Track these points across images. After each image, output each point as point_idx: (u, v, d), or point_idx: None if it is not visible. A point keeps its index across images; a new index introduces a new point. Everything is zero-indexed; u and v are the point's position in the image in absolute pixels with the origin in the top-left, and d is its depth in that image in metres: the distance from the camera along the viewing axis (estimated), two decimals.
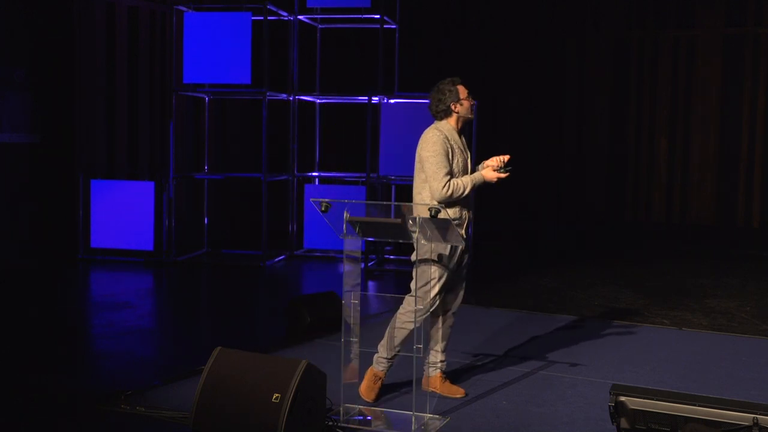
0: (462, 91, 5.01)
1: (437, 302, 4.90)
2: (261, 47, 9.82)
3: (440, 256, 4.82)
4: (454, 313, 5.12)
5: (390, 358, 4.98)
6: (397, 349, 4.94)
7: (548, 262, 10.50)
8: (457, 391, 5.03)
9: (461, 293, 5.11)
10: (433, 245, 4.76)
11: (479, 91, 11.04)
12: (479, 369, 5.63)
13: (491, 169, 4.88)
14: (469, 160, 5.03)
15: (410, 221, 4.52)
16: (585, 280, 9.21)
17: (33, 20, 9.87)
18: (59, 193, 10.14)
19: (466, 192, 4.83)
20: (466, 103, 5.02)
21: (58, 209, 10.12)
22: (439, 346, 5.06)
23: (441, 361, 5.08)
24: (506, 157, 4.94)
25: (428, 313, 4.87)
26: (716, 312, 7.62)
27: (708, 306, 7.89)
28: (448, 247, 4.81)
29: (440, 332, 5.05)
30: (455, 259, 4.90)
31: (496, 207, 13.16)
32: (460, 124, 5.01)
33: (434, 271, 4.81)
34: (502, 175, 4.87)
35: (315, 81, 11.09)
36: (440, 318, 5.04)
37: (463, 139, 5.06)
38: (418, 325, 4.78)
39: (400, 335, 4.91)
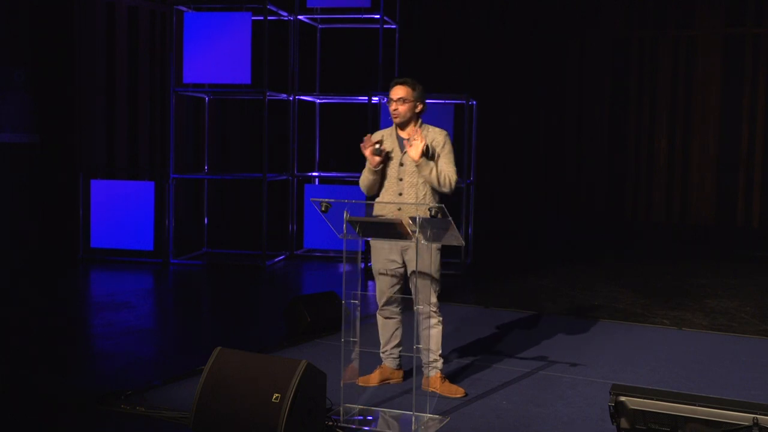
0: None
1: (383, 300, 5.11)
2: (261, 47, 9.82)
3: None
4: (427, 315, 5.00)
5: (381, 352, 5.21)
6: (381, 342, 5.21)
7: (548, 262, 10.50)
8: (456, 391, 5.02)
9: (422, 294, 4.94)
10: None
11: (479, 91, 11.08)
12: (479, 369, 5.63)
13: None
14: (407, 160, 4.96)
15: (410, 221, 4.53)
16: (585, 280, 9.21)
17: (33, 20, 9.88)
18: (59, 193, 10.14)
19: (364, 180, 5.04)
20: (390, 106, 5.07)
21: (58, 209, 10.12)
22: (430, 345, 5.01)
23: (435, 360, 5.07)
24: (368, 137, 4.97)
25: (381, 308, 5.15)
26: (716, 312, 7.63)
27: (708, 306, 7.89)
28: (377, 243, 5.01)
29: (430, 332, 5.01)
30: (383, 256, 5.02)
31: (496, 207, 13.17)
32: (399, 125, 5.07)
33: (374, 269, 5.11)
34: (366, 152, 4.91)
35: (315, 81, 11.09)
36: (419, 317, 5.01)
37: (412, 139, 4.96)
38: (379, 319, 5.19)
39: None
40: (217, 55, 9.80)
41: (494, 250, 11.36)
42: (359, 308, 4.80)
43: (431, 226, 4.55)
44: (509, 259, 11.00)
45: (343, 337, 4.72)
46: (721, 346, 6.44)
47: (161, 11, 11.48)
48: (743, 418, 3.59)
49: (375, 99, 9.88)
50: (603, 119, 13.20)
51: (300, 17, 10.61)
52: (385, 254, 5.05)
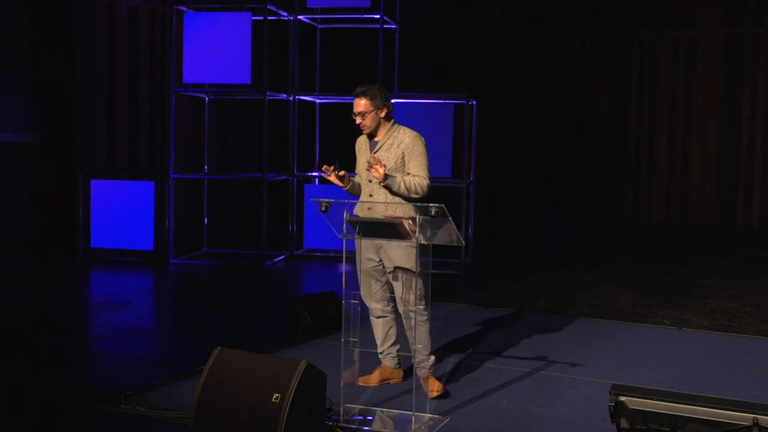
0: None
1: (367, 299, 5.15)
2: (261, 47, 9.82)
3: None
4: (405, 314, 5.01)
5: (378, 353, 5.27)
6: (377, 343, 5.29)
7: (548, 262, 10.50)
8: (437, 389, 4.97)
9: (403, 294, 4.97)
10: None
11: (479, 91, 11.07)
12: (479, 369, 5.63)
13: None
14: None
15: (410, 221, 4.53)
16: (585, 280, 9.21)
17: (33, 20, 9.88)
18: (59, 193, 10.14)
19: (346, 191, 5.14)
20: None
21: (58, 209, 10.12)
22: (415, 345, 5.00)
23: (423, 360, 5.04)
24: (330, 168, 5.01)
25: (370, 308, 5.20)
26: (716, 312, 7.63)
27: (708, 306, 7.89)
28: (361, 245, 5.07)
29: (414, 331, 4.98)
30: (362, 255, 5.07)
31: (496, 207, 13.17)
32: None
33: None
34: (332, 180, 4.99)
35: (315, 81, 11.09)
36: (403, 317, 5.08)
37: (381, 143, 5.03)
38: (371, 320, 5.24)
39: None
40: (217, 55, 9.79)
41: (494, 250, 11.36)
42: (359, 308, 4.80)
43: (431, 226, 4.55)
44: (509, 259, 11.00)
45: (343, 337, 4.72)
46: (721, 346, 6.44)
47: (161, 11, 11.47)
48: (743, 418, 3.59)
49: None
50: (603, 119, 13.20)
51: (300, 17, 10.61)
52: (363, 253, 5.10)
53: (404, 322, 5.03)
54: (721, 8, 12.43)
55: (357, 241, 5.08)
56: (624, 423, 3.81)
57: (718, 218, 12.57)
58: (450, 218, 4.48)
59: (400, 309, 5.04)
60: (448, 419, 4.61)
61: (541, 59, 13.34)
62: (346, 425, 4.46)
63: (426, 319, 5.03)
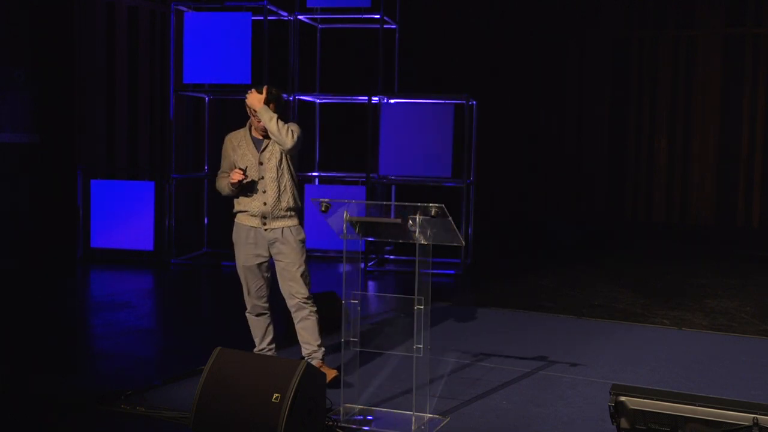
0: None
1: (250, 296, 5.24)
2: (261, 47, 9.82)
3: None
4: (297, 308, 5.17)
5: (258, 351, 5.42)
6: (256, 342, 5.45)
7: (548, 262, 10.50)
8: (329, 375, 5.04)
9: (294, 288, 5.13)
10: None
11: (479, 91, 11.07)
12: (479, 369, 5.63)
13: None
14: (265, 159, 5.10)
15: (410, 221, 4.53)
16: (585, 280, 9.21)
17: (33, 20, 9.87)
18: (59, 193, 10.13)
19: (224, 191, 5.14)
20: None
21: (58, 209, 10.11)
22: (307, 338, 5.19)
23: (314, 352, 5.18)
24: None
25: (251, 306, 5.31)
26: (716, 312, 7.63)
27: (708, 306, 7.89)
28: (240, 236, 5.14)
29: (304, 323, 5.18)
30: (250, 252, 5.12)
31: (496, 207, 13.17)
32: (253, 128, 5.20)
33: None
34: (235, 179, 5.02)
35: (315, 81, 11.09)
36: (291, 312, 5.23)
37: (268, 143, 5.14)
38: (250, 318, 5.40)
39: None
40: (217, 55, 9.79)
41: (494, 250, 11.35)
42: (359, 308, 4.80)
43: (431, 226, 4.55)
44: (509, 259, 11.00)
45: (343, 337, 4.72)
46: (721, 346, 6.44)
47: (161, 11, 11.47)
48: (743, 418, 3.59)
49: (375, 99, 9.88)
50: (603, 119, 13.20)
51: (300, 17, 10.60)
52: (251, 249, 5.16)
53: (293, 315, 5.18)
54: (721, 8, 12.43)
55: (240, 236, 5.14)
56: (624, 423, 3.81)
57: (718, 218, 12.57)
58: (450, 218, 4.48)
59: (290, 303, 5.16)
60: (448, 419, 4.61)
61: (541, 59, 13.34)
62: (346, 425, 4.47)
63: (314, 311, 5.16)
